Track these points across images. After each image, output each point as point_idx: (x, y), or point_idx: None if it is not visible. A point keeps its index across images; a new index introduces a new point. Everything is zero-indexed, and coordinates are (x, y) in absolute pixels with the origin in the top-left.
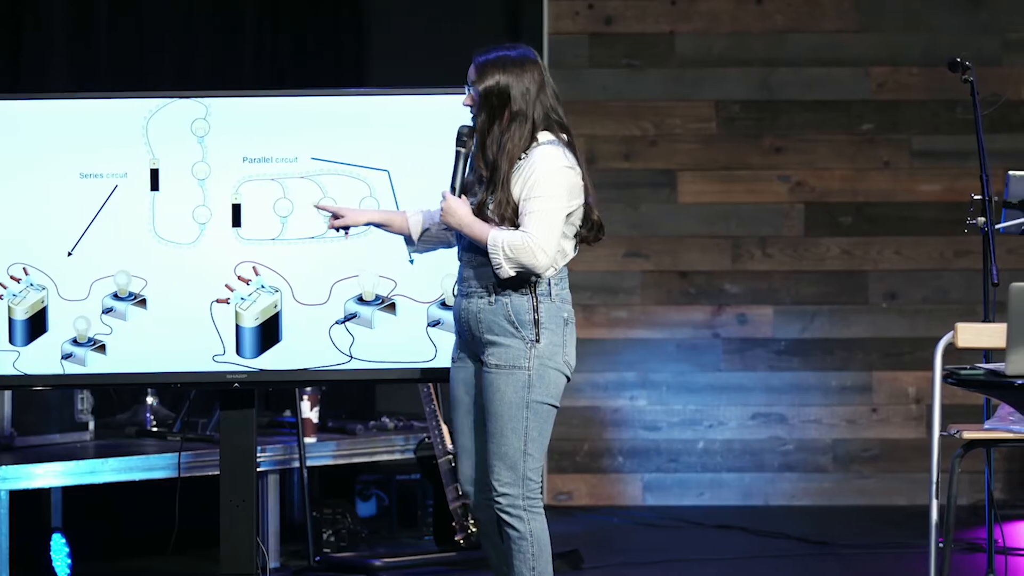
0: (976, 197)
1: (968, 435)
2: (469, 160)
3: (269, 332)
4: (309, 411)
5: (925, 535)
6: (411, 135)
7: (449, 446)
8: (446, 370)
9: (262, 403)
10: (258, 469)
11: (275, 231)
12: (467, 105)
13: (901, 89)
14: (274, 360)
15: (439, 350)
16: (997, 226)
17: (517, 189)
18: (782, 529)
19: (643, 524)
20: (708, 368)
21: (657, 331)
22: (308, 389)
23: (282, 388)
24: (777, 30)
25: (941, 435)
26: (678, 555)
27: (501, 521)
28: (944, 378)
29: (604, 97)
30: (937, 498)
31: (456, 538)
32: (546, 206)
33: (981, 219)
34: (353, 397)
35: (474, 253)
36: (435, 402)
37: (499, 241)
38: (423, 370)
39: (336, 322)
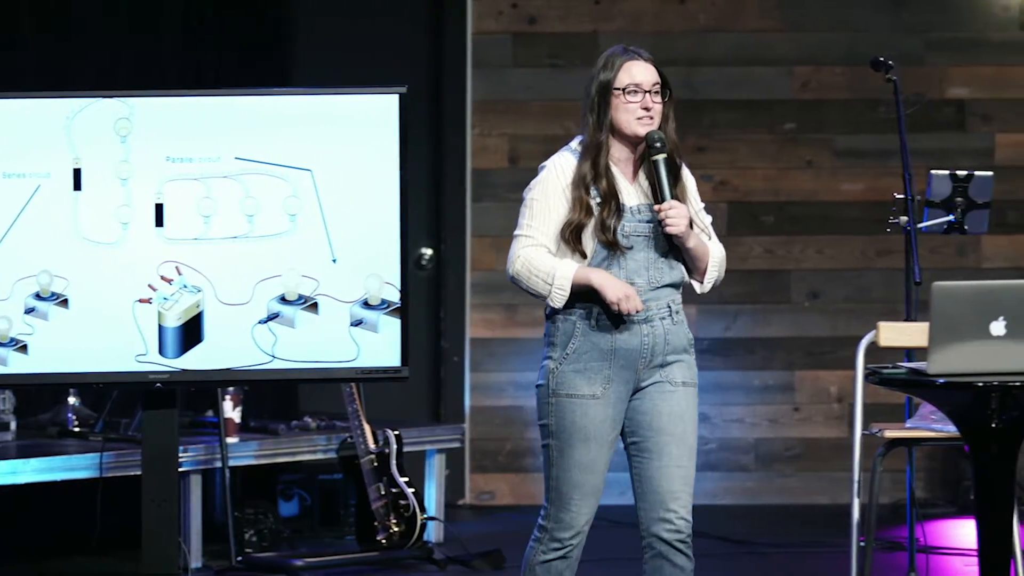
0: (898, 196)
1: (890, 434)
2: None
3: (192, 332)
4: (231, 411)
5: (847, 534)
6: (335, 134)
7: (371, 445)
8: (366, 369)
9: (184, 403)
10: (180, 469)
11: (198, 231)
12: (653, 105)
13: (824, 88)
14: (196, 360)
15: (361, 349)
16: (919, 225)
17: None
18: (703, 528)
19: None
20: None
21: None
22: (230, 389)
23: (204, 388)
24: (700, 29)
25: (863, 434)
26: (598, 554)
27: (675, 552)
28: (866, 377)
29: (527, 97)
30: (859, 497)
31: (378, 538)
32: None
33: (903, 218)
34: (275, 397)
35: (658, 271)
36: (357, 402)
37: (719, 255)
38: (345, 369)
39: (259, 322)
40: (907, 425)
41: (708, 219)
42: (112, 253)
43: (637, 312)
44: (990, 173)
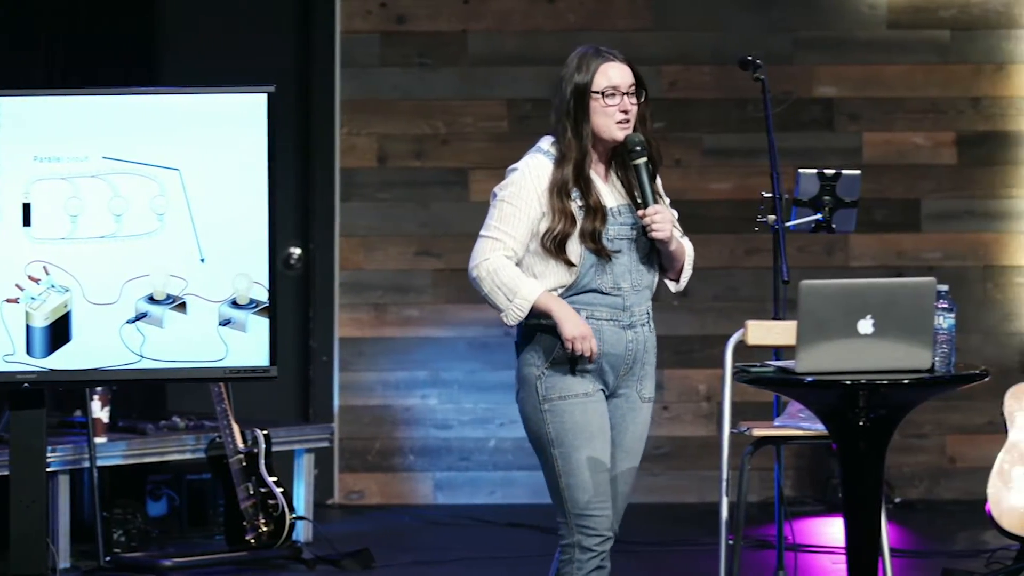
0: (766, 195)
1: (758, 432)
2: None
3: (59, 332)
4: (100, 411)
5: (715, 532)
6: (203, 134)
7: (240, 445)
8: (235, 369)
9: (52, 403)
10: (48, 469)
11: (66, 230)
12: (631, 108)
13: (692, 88)
14: (64, 360)
15: (230, 349)
16: (787, 224)
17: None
18: None
19: (434, 523)
20: (499, 366)
21: (448, 330)
22: (99, 389)
23: (72, 388)
24: (569, 28)
25: (731, 432)
26: (469, 553)
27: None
28: (734, 375)
29: (396, 96)
30: (727, 495)
31: (247, 537)
32: None
33: (771, 217)
34: (144, 396)
35: (639, 274)
36: (226, 401)
37: (691, 252)
38: (214, 369)
39: (127, 321)
40: (775, 423)
41: (675, 214)
42: None
43: (591, 355)
44: (858, 172)
